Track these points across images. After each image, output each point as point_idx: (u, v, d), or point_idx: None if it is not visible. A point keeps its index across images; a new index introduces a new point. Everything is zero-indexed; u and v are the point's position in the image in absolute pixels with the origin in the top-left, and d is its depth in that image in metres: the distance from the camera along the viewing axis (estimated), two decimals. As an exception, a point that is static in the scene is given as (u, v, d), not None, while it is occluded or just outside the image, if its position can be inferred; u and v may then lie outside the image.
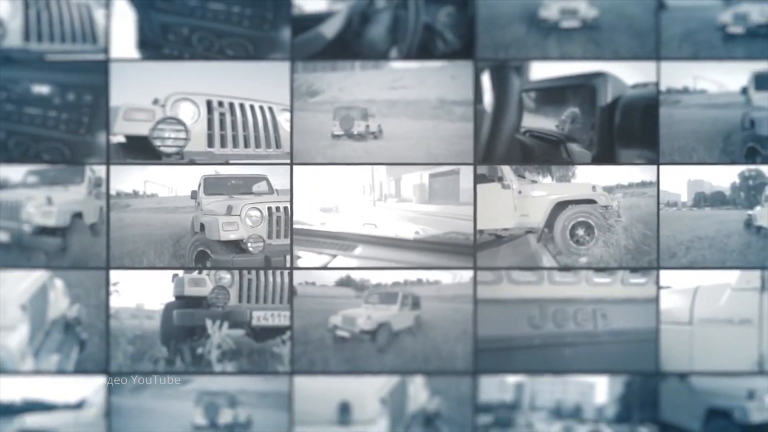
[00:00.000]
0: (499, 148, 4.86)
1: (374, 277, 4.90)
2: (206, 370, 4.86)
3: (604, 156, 4.88)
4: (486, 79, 4.83)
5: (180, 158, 4.92)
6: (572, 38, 4.83)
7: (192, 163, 4.95)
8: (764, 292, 4.80)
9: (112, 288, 4.83)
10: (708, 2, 4.89)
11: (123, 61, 4.82)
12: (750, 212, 4.90)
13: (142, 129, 4.85)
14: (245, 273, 4.97)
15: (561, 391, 4.95)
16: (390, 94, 4.96)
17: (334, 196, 4.97)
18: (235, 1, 4.86)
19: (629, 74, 4.87)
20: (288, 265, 4.88)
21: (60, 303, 4.86)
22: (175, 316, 4.89)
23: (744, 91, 4.87)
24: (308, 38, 4.83)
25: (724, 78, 4.87)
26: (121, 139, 4.87)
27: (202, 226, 5.00)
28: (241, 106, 5.12)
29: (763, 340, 4.81)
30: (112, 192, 4.85)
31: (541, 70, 4.89)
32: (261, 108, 5.14)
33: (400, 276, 4.90)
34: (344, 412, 4.73)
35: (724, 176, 4.89)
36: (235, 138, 5.11)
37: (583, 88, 4.97)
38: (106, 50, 4.84)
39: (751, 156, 4.85)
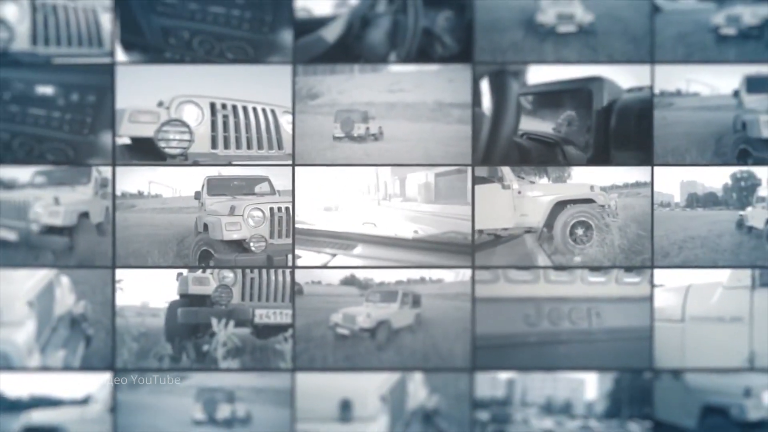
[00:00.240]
0: (498, 150, 4.86)
1: (378, 276, 4.91)
2: (211, 367, 4.86)
3: (600, 158, 4.90)
4: (485, 85, 4.84)
5: (184, 159, 4.93)
6: (568, 43, 4.84)
7: (196, 164, 4.96)
8: (755, 291, 4.79)
9: (116, 286, 4.85)
10: (702, 5, 4.91)
11: (128, 65, 4.83)
12: (741, 213, 4.91)
13: (147, 131, 4.86)
14: (248, 272, 4.97)
15: (552, 387, 4.95)
16: (388, 97, 4.96)
17: (336, 196, 4.98)
18: (234, 5, 4.88)
19: (624, 78, 4.87)
20: (290, 264, 4.89)
21: (66, 299, 4.87)
22: (179, 314, 4.88)
23: (736, 93, 4.88)
24: (309, 41, 4.85)
25: (717, 81, 4.87)
26: (127, 140, 4.88)
27: (206, 226, 5.00)
28: (244, 108, 5.12)
29: (754, 337, 4.80)
30: (118, 192, 4.85)
31: (538, 74, 4.89)
32: (263, 110, 5.15)
33: (403, 275, 4.91)
34: (345, 409, 4.75)
35: (716, 177, 4.89)
36: (238, 140, 5.11)
37: (579, 92, 4.98)
38: (112, 54, 4.85)
39: (742, 158, 4.85)
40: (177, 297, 4.93)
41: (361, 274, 4.91)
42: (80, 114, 4.88)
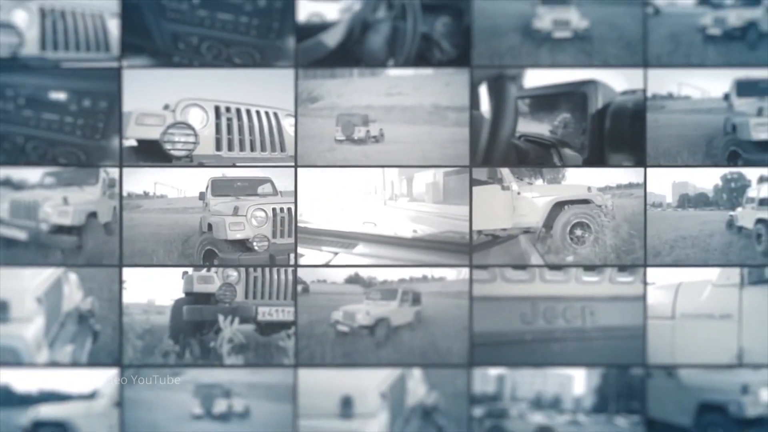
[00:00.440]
0: (498, 152, 4.89)
1: (381, 274, 4.93)
2: (215, 363, 4.88)
3: (595, 160, 4.92)
4: (484, 89, 4.86)
5: (189, 161, 4.96)
6: (564, 48, 4.87)
7: (200, 165, 4.98)
8: (744, 289, 4.81)
9: (122, 286, 4.87)
10: (695, 10, 4.95)
11: (135, 68, 4.85)
12: (732, 213, 4.94)
13: (153, 133, 4.89)
14: (251, 270, 5.00)
15: (541, 383, 4.97)
16: (387, 101, 4.97)
17: (339, 197, 4.99)
18: (243, 12, 4.92)
19: (618, 82, 4.90)
20: (292, 262, 4.91)
21: (74, 296, 4.89)
22: (184, 312, 4.90)
23: (726, 97, 4.91)
24: (309, 45, 4.87)
25: (707, 84, 4.90)
26: (133, 142, 4.90)
27: (210, 226, 5.03)
28: (248, 111, 5.14)
29: (743, 334, 4.81)
30: (125, 193, 4.88)
31: (535, 79, 4.92)
32: (266, 113, 5.15)
33: (406, 273, 4.93)
34: (346, 405, 4.78)
35: (707, 178, 4.92)
36: (241, 142, 5.12)
37: (574, 95, 5.01)
38: (119, 58, 4.87)
39: (732, 159, 4.88)
40: (182, 295, 4.95)
41: (364, 273, 4.93)
42: (92, 119, 4.93)
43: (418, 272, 4.94)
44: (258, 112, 5.17)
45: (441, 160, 4.88)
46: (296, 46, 4.88)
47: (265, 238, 5.01)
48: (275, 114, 5.15)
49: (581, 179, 4.99)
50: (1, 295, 4.75)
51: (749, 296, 4.81)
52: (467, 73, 4.84)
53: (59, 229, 4.96)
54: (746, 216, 4.93)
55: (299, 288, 4.91)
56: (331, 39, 4.88)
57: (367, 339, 4.91)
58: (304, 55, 4.88)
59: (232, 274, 5.00)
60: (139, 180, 4.91)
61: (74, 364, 4.88)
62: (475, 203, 4.89)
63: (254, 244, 5.00)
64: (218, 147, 5.09)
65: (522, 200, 5.08)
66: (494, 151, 4.89)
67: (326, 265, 4.93)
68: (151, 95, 4.92)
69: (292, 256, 4.93)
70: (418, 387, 4.90)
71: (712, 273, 4.87)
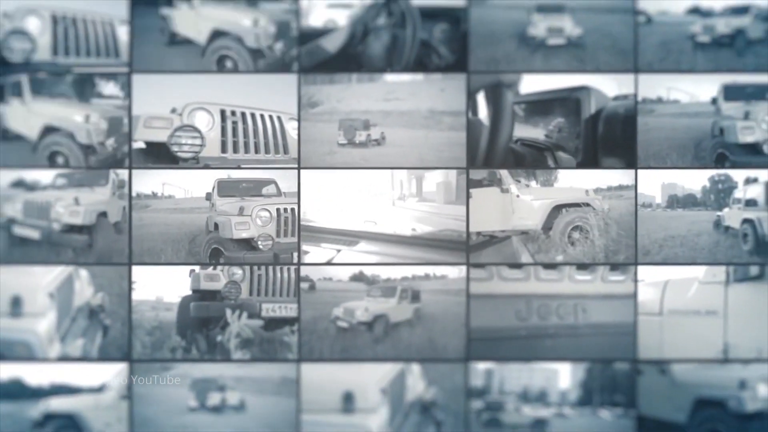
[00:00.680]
0: (497, 157, 4.93)
1: (384, 273, 4.96)
2: (221, 358, 4.92)
3: (589, 162, 4.97)
4: (482, 97, 4.90)
5: (195, 163, 5.00)
6: (558, 54, 4.93)
7: (207, 167, 5.02)
8: (729, 286, 4.85)
9: (132, 286, 4.91)
10: (686, 18, 5.00)
11: (144, 73, 4.91)
12: (719, 213, 5.01)
13: (161, 136, 4.94)
14: (255, 268, 5.03)
15: (528, 377, 5.00)
16: (384, 105, 5.02)
17: (344, 197, 5.02)
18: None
19: (610, 87, 4.95)
20: (295, 261, 4.95)
21: (85, 292, 4.94)
22: (192, 308, 4.95)
23: (714, 101, 4.99)
24: (309, 49, 4.92)
25: (696, 89, 4.96)
26: (142, 145, 4.95)
27: (216, 226, 5.07)
28: (252, 115, 5.18)
29: (728, 329, 4.85)
30: (134, 193, 4.93)
31: (530, 85, 4.96)
32: (270, 117, 5.19)
33: (408, 271, 4.96)
34: (348, 401, 4.81)
35: (695, 180, 4.97)
36: (246, 144, 5.17)
37: (568, 101, 5.07)
38: (129, 63, 4.92)
39: (720, 161, 4.95)
40: (189, 292, 5.00)
41: (368, 271, 4.96)
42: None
43: (420, 270, 4.96)
44: (262, 116, 5.21)
45: (437, 162, 4.93)
46: (298, 52, 4.93)
47: (270, 237, 5.06)
48: (279, 118, 5.19)
49: (573, 181, 5.03)
50: (14, 291, 4.81)
51: (734, 293, 4.85)
52: (462, 79, 4.89)
53: (71, 229, 5.01)
54: (733, 216, 4.98)
55: (306, 285, 4.94)
56: (332, 44, 4.93)
57: (365, 335, 4.95)
58: (304, 59, 4.93)
59: (237, 272, 5.04)
60: (148, 181, 4.95)
61: (85, 357, 4.91)
62: (475, 205, 4.93)
63: (259, 242, 5.05)
64: (224, 149, 5.13)
65: (521, 203, 5.11)
66: (494, 156, 4.93)
67: (327, 263, 4.98)
68: (159, 99, 4.97)
69: (295, 254, 4.97)
70: (417, 383, 4.94)
71: (699, 270, 4.92)
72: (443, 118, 4.92)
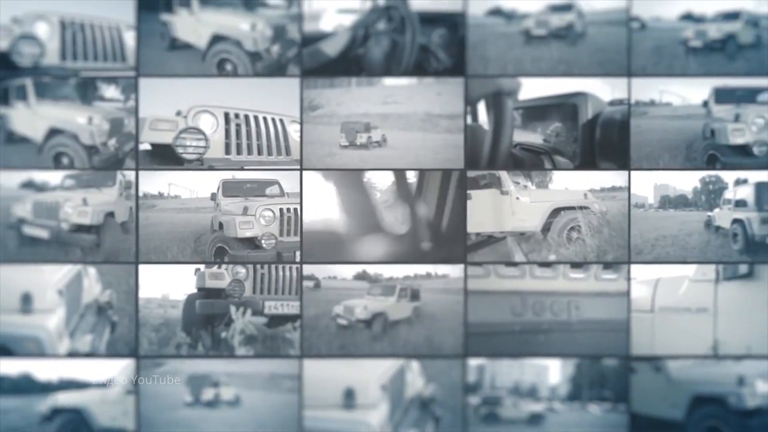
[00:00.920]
0: (498, 162, 4.97)
1: (387, 271, 4.99)
2: (225, 354, 4.95)
3: (587, 166, 5.00)
4: (482, 105, 4.95)
5: (200, 164, 5.03)
6: (553, 57, 4.97)
7: (211, 168, 5.06)
8: (719, 284, 4.87)
9: (138, 285, 4.94)
10: (679, 24, 5.02)
11: (150, 77, 4.96)
12: (710, 213, 5.02)
13: (166, 138, 4.98)
14: (259, 267, 5.06)
15: (518, 372, 5.04)
16: (383, 109, 5.03)
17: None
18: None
19: (605, 91, 4.98)
20: (297, 259, 4.99)
21: (93, 289, 4.97)
22: (197, 306, 4.98)
23: (705, 104, 5.01)
24: (309, 52, 4.95)
25: (687, 92, 4.98)
26: (148, 146, 4.99)
27: (221, 225, 5.09)
28: (255, 117, 5.18)
29: (718, 327, 4.87)
30: (140, 194, 4.96)
31: (528, 90, 4.99)
32: (273, 120, 5.20)
33: (410, 270, 4.99)
34: (349, 397, 4.85)
35: (687, 181, 4.99)
36: (249, 146, 5.17)
37: (565, 106, 5.10)
38: (136, 68, 4.97)
39: (711, 163, 4.97)
40: (195, 290, 5.03)
41: (371, 270, 4.98)
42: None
43: (422, 269, 4.99)
44: (265, 119, 5.21)
45: (433, 163, 4.96)
46: (300, 55, 4.97)
47: (273, 237, 5.09)
48: (281, 120, 5.19)
49: (568, 183, 5.06)
50: (25, 289, 4.86)
51: (724, 291, 4.88)
52: (458, 83, 4.92)
53: (79, 228, 5.06)
54: (723, 216, 5.00)
55: (312, 284, 4.97)
56: (332, 47, 4.96)
57: (364, 332, 4.99)
58: (305, 61, 4.96)
59: (241, 270, 5.07)
60: (154, 181, 4.99)
61: (93, 353, 4.94)
62: (476, 206, 4.97)
63: (262, 241, 5.08)
64: (227, 151, 5.14)
65: (521, 205, 5.12)
66: (495, 161, 4.97)
67: (328, 262, 5.00)
68: (165, 102, 5.01)
69: (297, 253, 5.01)
70: (416, 379, 4.97)
71: (689, 269, 4.94)
72: (440, 121, 4.94)
